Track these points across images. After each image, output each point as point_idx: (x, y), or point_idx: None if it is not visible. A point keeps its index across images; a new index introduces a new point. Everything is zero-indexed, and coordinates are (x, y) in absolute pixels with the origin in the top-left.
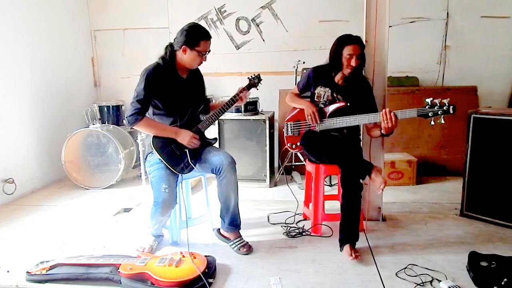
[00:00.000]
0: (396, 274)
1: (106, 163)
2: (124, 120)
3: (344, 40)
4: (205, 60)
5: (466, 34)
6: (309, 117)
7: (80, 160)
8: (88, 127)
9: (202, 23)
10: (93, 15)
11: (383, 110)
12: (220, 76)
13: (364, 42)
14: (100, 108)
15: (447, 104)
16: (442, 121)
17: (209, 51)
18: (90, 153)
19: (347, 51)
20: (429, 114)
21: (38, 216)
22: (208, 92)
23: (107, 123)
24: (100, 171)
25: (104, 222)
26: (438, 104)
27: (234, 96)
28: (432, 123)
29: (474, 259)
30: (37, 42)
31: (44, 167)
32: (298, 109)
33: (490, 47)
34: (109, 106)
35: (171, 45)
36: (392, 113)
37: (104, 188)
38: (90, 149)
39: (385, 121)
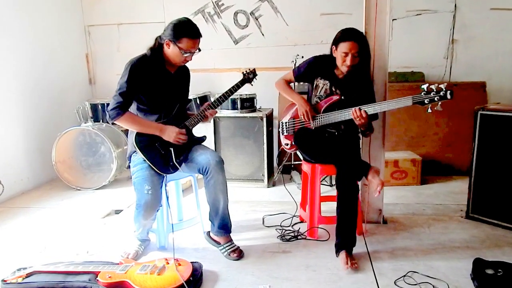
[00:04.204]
0: (394, 282)
1: (98, 163)
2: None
3: (341, 36)
4: (190, 59)
5: (474, 27)
6: (303, 116)
7: (71, 160)
8: (79, 125)
9: (199, 17)
10: (86, 9)
11: (353, 108)
12: (218, 72)
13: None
14: (94, 106)
15: (444, 89)
16: (440, 108)
17: (199, 50)
18: (81, 153)
19: (342, 48)
20: (425, 101)
21: (25, 219)
22: (206, 89)
23: (101, 122)
24: (92, 171)
25: (92, 225)
26: (435, 90)
27: (226, 93)
28: (429, 110)
29: (479, 266)
30: (27, 38)
31: (34, 167)
32: (294, 109)
33: (499, 41)
34: (103, 104)
35: (160, 36)
36: (362, 110)
37: (97, 189)
38: (81, 149)
39: (357, 118)
